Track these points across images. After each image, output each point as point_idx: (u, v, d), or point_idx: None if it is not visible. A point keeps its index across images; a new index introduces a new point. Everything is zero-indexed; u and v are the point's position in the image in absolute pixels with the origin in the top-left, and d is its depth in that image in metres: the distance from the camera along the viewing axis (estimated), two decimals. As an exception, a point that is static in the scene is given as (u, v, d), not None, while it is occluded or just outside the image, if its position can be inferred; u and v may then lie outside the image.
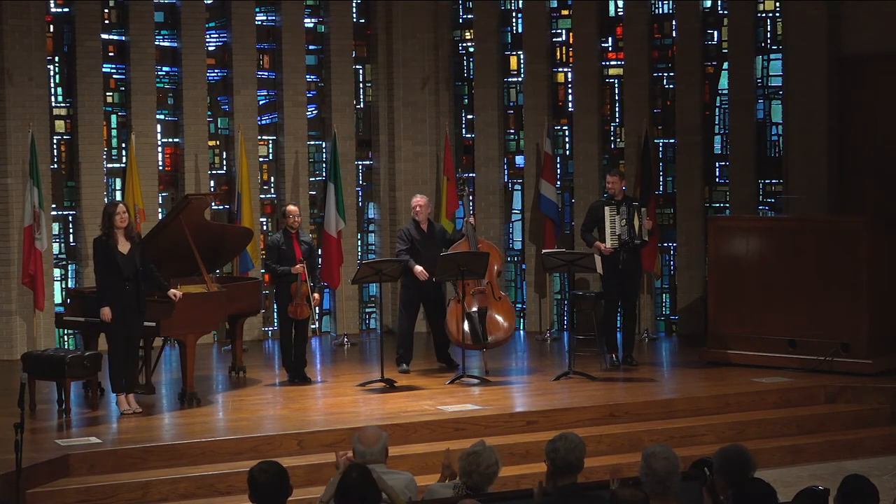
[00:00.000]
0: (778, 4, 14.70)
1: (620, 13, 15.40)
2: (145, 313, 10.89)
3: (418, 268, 12.44)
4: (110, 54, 14.59)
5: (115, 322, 10.70)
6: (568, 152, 15.70)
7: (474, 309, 12.54)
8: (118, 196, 14.45)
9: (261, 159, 15.29)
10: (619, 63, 15.44)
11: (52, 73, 14.26)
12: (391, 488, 6.34)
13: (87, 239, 14.18)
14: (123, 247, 10.74)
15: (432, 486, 6.83)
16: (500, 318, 12.69)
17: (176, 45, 14.84)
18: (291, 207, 12.35)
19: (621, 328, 13.15)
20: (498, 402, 11.37)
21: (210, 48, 15.03)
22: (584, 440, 6.28)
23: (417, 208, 12.67)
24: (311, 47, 15.52)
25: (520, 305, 15.67)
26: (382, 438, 6.71)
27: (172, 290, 11.04)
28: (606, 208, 12.81)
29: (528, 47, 15.69)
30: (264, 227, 15.30)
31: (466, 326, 12.44)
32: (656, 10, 15.31)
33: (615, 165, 14.85)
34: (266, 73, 15.35)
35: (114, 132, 14.68)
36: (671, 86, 15.23)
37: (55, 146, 14.33)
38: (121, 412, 10.78)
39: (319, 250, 14.82)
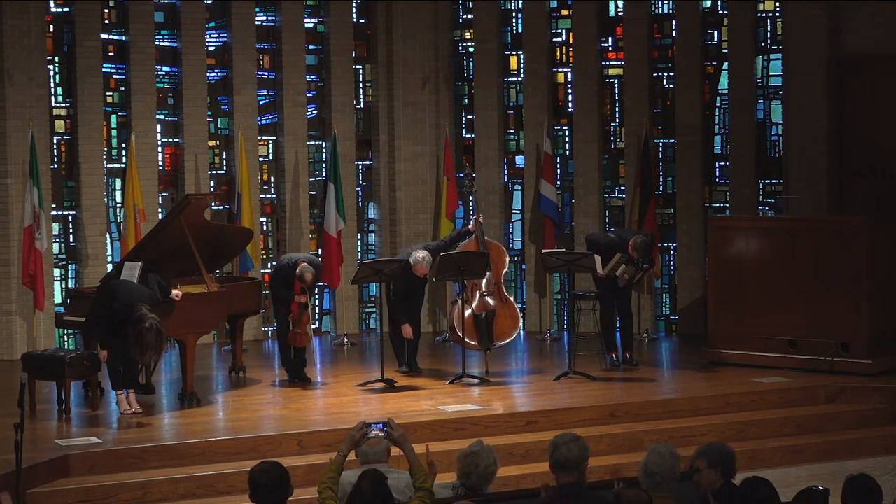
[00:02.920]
0: (778, 4, 14.70)
1: (620, 13, 15.40)
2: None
3: (406, 328, 12.31)
4: (110, 54, 14.59)
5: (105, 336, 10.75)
6: (568, 152, 15.70)
7: (483, 311, 12.55)
8: (118, 196, 14.46)
9: (261, 159, 15.28)
10: (619, 63, 15.44)
11: (52, 73, 14.25)
12: (415, 457, 6.31)
13: (87, 239, 14.19)
14: None
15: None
16: (507, 322, 12.69)
17: (176, 45, 14.84)
18: (308, 274, 11.93)
19: (619, 328, 13.15)
20: (498, 402, 11.37)
21: (210, 48, 15.03)
22: (585, 439, 6.27)
23: (419, 270, 12.22)
24: (311, 47, 15.51)
25: (520, 305, 15.63)
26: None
27: (175, 292, 11.03)
28: (619, 256, 12.49)
29: (528, 47, 15.69)
30: (264, 227, 15.30)
31: (471, 327, 12.45)
32: (656, 10, 15.31)
33: (615, 167, 14.84)
34: (266, 73, 15.34)
35: (114, 132, 14.68)
36: (671, 86, 15.23)
37: (55, 146, 14.33)
38: (121, 412, 10.77)
39: (319, 250, 14.84)
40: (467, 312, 12.50)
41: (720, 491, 6.18)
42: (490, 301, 12.69)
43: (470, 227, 12.83)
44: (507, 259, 13.12)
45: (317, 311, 15.36)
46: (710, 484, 6.19)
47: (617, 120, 15.52)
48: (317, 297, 15.23)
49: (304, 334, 12.08)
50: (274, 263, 13.38)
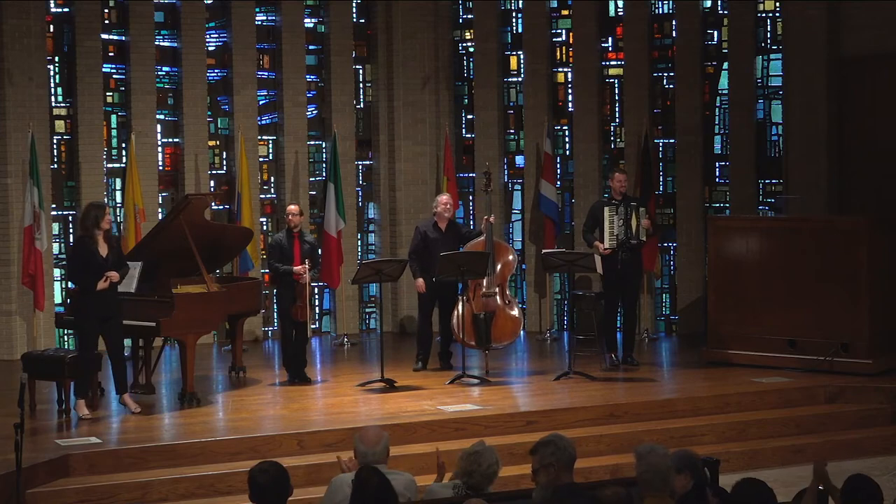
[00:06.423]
0: (778, 4, 14.71)
1: (620, 13, 15.40)
2: (122, 315, 10.82)
3: (419, 281, 12.47)
4: (110, 54, 14.59)
5: (89, 324, 10.65)
6: (568, 152, 15.71)
7: (482, 311, 12.54)
8: (118, 196, 14.46)
9: (261, 159, 15.29)
10: (619, 63, 15.45)
11: (52, 73, 14.26)
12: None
13: (87, 239, 14.18)
14: (102, 249, 10.68)
15: (432, 487, 6.83)
16: (507, 325, 12.68)
17: (176, 45, 14.84)
18: (291, 207, 12.41)
19: (621, 328, 13.15)
20: (498, 402, 11.36)
21: (210, 48, 15.03)
22: (570, 439, 6.30)
23: (448, 206, 12.60)
24: (311, 47, 15.52)
25: (520, 305, 15.63)
26: (384, 439, 6.72)
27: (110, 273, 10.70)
28: (606, 209, 12.79)
29: (528, 47, 15.70)
30: (264, 227, 15.31)
31: (469, 326, 12.45)
32: (656, 10, 15.31)
33: (616, 164, 14.86)
34: (266, 73, 15.35)
35: (114, 132, 14.68)
36: (671, 86, 15.24)
37: (55, 146, 14.33)
38: (79, 417, 10.58)
39: (319, 251, 14.81)
40: (468, 312, 12.50)
41: (692, 492, 6.28)
42: (490, 302, 12.67)
43: (482, 227, 12.82)
44: (514, 259, 13.02)
45: (317, 312, 15.37)
46: (681, 488, 6.29)
47: (617, 120, 15.52)
48: (316, 296, 15.25)
49: (303, 307, 12.10)
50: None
